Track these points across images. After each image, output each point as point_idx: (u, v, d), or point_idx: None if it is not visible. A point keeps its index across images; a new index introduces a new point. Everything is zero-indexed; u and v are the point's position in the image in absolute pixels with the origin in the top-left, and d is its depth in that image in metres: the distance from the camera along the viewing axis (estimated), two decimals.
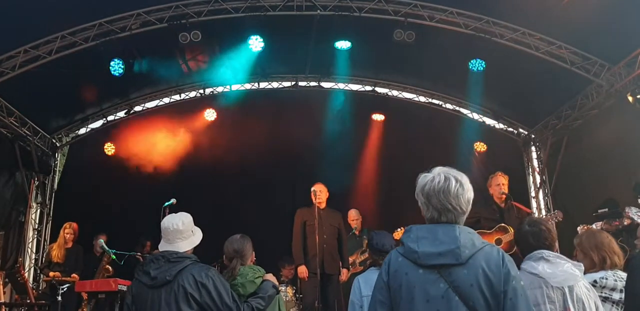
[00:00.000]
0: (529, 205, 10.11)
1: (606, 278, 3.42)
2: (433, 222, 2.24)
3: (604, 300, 3.35)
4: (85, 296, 6.93)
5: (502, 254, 2.18)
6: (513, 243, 5.90)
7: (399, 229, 8.16)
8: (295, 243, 6.97)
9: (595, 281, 3.40)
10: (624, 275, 3.43)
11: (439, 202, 2.21)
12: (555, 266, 2.98)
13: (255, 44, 8.34)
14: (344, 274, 7.10)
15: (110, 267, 7.61)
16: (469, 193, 2.25)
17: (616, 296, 3.37)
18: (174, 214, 3.74)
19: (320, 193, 6.99)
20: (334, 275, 6.92)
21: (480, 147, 10.79)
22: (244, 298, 3.62)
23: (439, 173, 2.28)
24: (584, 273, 3.57)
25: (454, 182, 2.23)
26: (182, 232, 3.59)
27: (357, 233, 8.21)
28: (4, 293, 7.37)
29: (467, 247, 2.13)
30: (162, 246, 3.61)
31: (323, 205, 7.04)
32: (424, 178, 2.30)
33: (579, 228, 6.60)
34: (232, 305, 3.41)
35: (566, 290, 2.93)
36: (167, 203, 5.92)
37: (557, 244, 3.22)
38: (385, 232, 4.40)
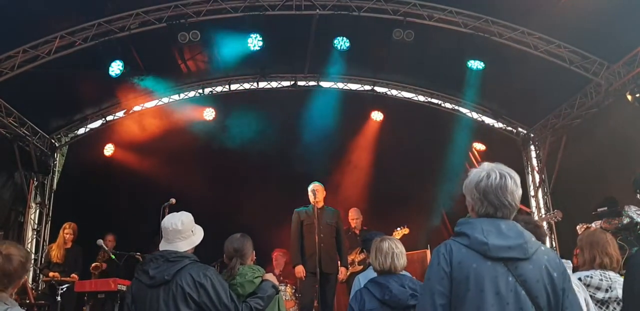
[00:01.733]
0: (528, 204, 10.13)
1: (591, 277, 3.43)
2: (488, 217, 2.25)
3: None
4: (85, 296, 6.93)
5: (556, 253, 2.26)
6: None
7: (398, 228, 8.17)
8: (293, 243, 6.98)
9: (579, 279, 3.41)
10: (613, 275, 3.45)
11: (496, 198, 2.22)
12: None
13: (254, 42, 8.33)
14: (342, 273, 7.10)
15: (100, 265, 7.59)
16: (520, 190, 2.29)
17: (600, 295, 3.39)
18: (174, 214, 3.72)
19: (317, 192, 6.99)
20: (332, 274, 6.92)
21: (479, 146, 10.79)
22: (243, 298, 3.61)
23: (493, 169, 2.28)
24: (577, 270, 3.59)
25: (509, 179, 2.25)
26: (181, 231, 3.58)
27: (356, 232, 8.20)
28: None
29: (531, 243, 2.19)
30: (162, 246, 3.60)
31: (321, 205, 7.04)
32: (477, 174, 2.29)
33: (578, 227, 6.61)
34: (230, 305, 3.40)
35: None
36: (166, 203, 5.93)
37: (547, 239, 3.21)
38: (377, 232, 4.43)
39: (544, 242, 3.13)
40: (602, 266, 3.51)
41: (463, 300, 2.12)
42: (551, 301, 2.13)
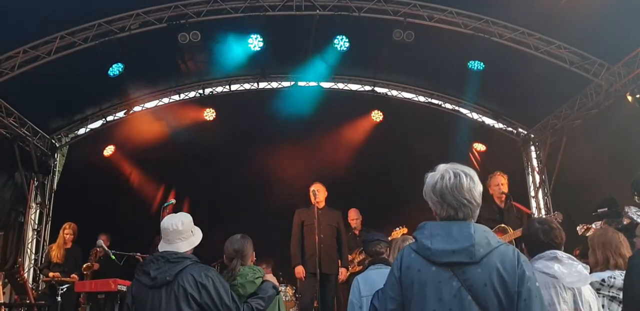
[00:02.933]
0: (528, 205, 10.12)
1: (614, 278, 3.40)
2: (450, 219, 2.21)
3: (612, 299, 3.33)
4: (82, 298, 6.93)
5: (518, 254, 2.15)
6: (512, 243, 5.92)
7: (397, 228, 8.15)
8: (293, 243, 6.98)
9: (603, 280, 3.37)
10: None
11: (453, 198, 2.18)
12: (569, 267, 2.96)
13: (255, 43, 8.33)
14: (343, 273, 7.10)
15: (91, 265, 7.59)
16: (479, 186, 2.24)
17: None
18: (173, 214, 3.73)
19: (319, 192, 6.99)
20: (332, 274, 6.92)
21: (479, 146, 10.79)
22: (244, 299, 3.61)
23: (446, 170, 2.25)
24: (590, 271, 3.57)
25: (464, 176, 2.21)
26: (181, 232, 3.58)
27: (356, 232, 8.20)
28: (4, 293, 7.36)
29: (481, 246, 2.10)
30: (162, 247, 3.61)
31: (322, 205, 7.03)
32: (432, 177, 2.27)
33: (578, 228, 6.60)
34: (232, 306, 3.41)
35: (576, 291, 2.92)
36: (166, 204, 5.93)
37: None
38: (379, 233, 4.43)
39: (561, 246, 3.08)
40: (617, 267, 3.48)
41: (409, 306, 2.12)
42: (504, 306, 2.04)
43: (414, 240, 3.57)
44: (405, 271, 2.15)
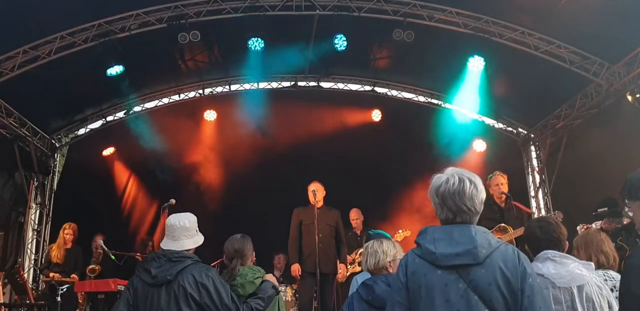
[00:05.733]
0: (528, 205, 10.11)
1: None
2: (448, 222, 2.27)
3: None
4: (80, 299, 6.93)
5: (518, 252, 2.22)
6: (512, 242, 5.92)
7: (400, 231, 8.14)
8: (291, 242, 7.00)
9: None
10: (615, 274, 3.44)
11: (454, 203, 2.24)
12: (562, 267, 2.97)
13: (255, 43, 8.34)
14: (342, 269, 7.09)
15: (96, 267, 7.60)
16: (482, 194, 2.29)
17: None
18: (179, 213, 3.74)
19: (317, 192, 6.99)
20: (330, 274, 6.92)
21: (479, 146, 10.78)
22: (244, 299, 3.62)
23: (452, 174, 2.30)
24: None
25: (468, 183, 2.26)
26: (188, 229, 3.61)
27: (357, 232, 8.20)
28: (4, 293, 7.36)
29: (484, 247, 2.17)
30: (166, 244, 3.60)
31: (320, 204, 7.03)
32: (437, 180, 2.31)
33: (578, 228, 6.60)
34: (232, 306, 3.41)
35: (574, 290, 2.92)
36: (166, 204, 5.93)
37: (567, 243, 3.19)
38: (380, 231, 4.41)
39: (560, 241, 3.10)
40: (600, 265, 3.51)
41: (417, 309, 2.17)
42: (509, 303, 2.11)
43: (378, 241, 3.60)
44: (412, 277, 2.21)
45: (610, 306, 3.00)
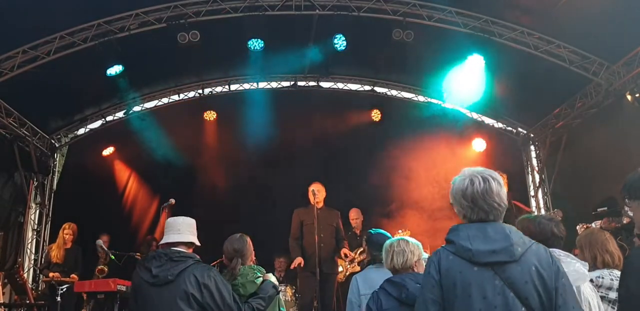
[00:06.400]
0: (528, 204, 10.11)
1: (602, 278, 3.42)
2: (480, 221, 2.28)
3: (601, 298, 3.34)
4: (85, 296, 6.93)
5: (549, 252, 2.27)
6: None
7: (400, 231, 8.13)
8: (292, 240, 7.01)
9: (591, 280, 3.39)
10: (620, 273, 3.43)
11: (485, 203, 2.26)
12: (567, 266, 2.97)
13: (254, 43, 8.34)
14: (344, 251, 7.13)
15: (105, 268, 7.61)
16: (504, 189, 2.33)
17: (612, 295, 3.37)
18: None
19: (318, 192, 6.99)
20: (331, 274, 6.93)
21: (479, 146, 10.78)
22: (244, 299, 3.62)
23: (475, 175, 2.32)
24: None
25: (493, 181, 2.30)
26: (191, 225, 3.69)
27: (357, 232, 8.20)
28: (4, 293, 7.36)
29: (519, 245, 2.20)
30: (169, 238, 3.61)
31: (321, 205, 7.04)
32: (461, 182, 2.32)
33: (578, 227, 6.60)
34: (233, 306, 3.42)
35: (575, 289, 2.92)
36: (165, 203, 5.93)
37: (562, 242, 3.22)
38: (382, 230, 4.41)
39: (563, 238, 3.12)
40: (606, 264, 3.50)
41: (452, 306, 2.17)
42: (544, 301, 2.14)
43: (402, 239, 3.60)
44: (446, 274, 2.21)
45: (599, 307, 3.01)
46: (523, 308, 2.11)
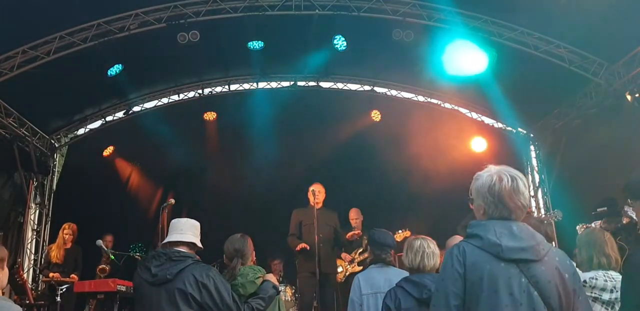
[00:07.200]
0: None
1: (596, 278, 3.42)
2: (502, 219, 2.27)
3: (594, 300, 3.35)
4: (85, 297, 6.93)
5: (566, 255, 2.30)
6: None
7: (400, 231, 8.13)
8: (291, 238, 7.02)
9: (584, 281, 3.39)
10: (616, 275, 3.43)
11: (511, 200, 2.26)
12: None
13: (254, 43, 8.34)
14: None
15: (107, 267, 7.61)
16: (527, 190, 2.34)
17: (605, 296, 3.37)
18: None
19: (318, 193, 6.99)
20: (331, 274, 6.93)
21: (479, 146, 10.78)
22: (244, 299, 3.62)
23: (503, 172, 2.31)
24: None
25: (520, 181, 2.30)
26: (194, 227, 3.70)
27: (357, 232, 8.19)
28: (3, 293, 7.33)
29: (543, 245, 2.22)
30: (172, 237, 3.63)
31: (320, 205, 7.03)
32: (488, 178, 2.31)
33: (578, 227, 6.59)
34: (233, 305, 3.41)
35: None
36: (165, 204, 5.92)
37: (554, 242, 3.22)
38: (384, 230, 4.40)
39: (551, 240, 3.15)
40: (601, 267, 3.50)
41: (477, 301, 2.14)
42: (563, 302, 2.15)
43: (425, 240, 3.60)
44: (471, 268, 2.18)
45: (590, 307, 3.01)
46: (545, 308, 2.12)
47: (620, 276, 3.41)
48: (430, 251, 3.56)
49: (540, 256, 2.18)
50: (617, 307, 3.35)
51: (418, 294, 3.33)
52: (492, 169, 2.34)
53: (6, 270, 2.80)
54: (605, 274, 3.45)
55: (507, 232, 2.21)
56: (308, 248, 6.76)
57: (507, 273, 2.14)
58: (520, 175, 2.33)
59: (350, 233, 7.11)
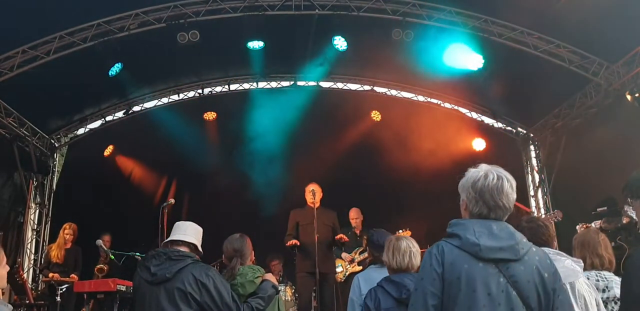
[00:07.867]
0: (527, 204, 10.11)
1: (588, 278, 3.42)
2: (481, 217, 2.27)
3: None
4: (85, 296, 6.93)
5: (547, 254, 2.29)
6: None
7: (400, 231, 8.13)
8: (288, 237, 6.99)
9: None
10: (609, 275, 3.44)
11: (491, 198, 2.24)
12: (556, 263, 2.98)
13: (254, 42, 8.35)
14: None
15: (105, 267, 7.60)
16: (515, 194, 2.31)
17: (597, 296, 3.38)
18: None
19: (317, 193, 6.98)
20: (329, 274, 6.92)
21: (479, 146, 10.78)
22: (244, 298, 3.62)
23: (490, 170, 2.31)
24: None
25: (506, 181, 2.28)
26: (197, 231, 3.73)
27: (357, 232, 8.19)
28: (3, 293, 7.33)
29: (522, 244, 2.20)
30: (175, 236, 3.66)
31: (317, 205, 7.03)
32: (475, 174, 2.31)
33: (578, 227, 6.60)
34: (232, 305, 3.41)
35: (567, 286, 2.93)
36: (165, 204, 5.91)
37: (555, 243, 3.21)
38: (384, 230, 4.40)
39: (549, 243, 3.13)
40: (593, 267, 3.51)
41: (455, 301, 2.13)
42: (542, 302, 2.14)
43: (408, 240, 3.60)
44: (450, 267, 2.17)
45: (597, 304, 3.00)
46: (524, 307, 2.11)
47: (613, 276, 3.43)
48: (415, 250, 3.57)
49: (519, 256, 2.16)
50: (609, 306, 3.36)
51: (397, 294, 3.34)
52: (483, 167, 2.34)
53: (4, 270, 2.80)
54: (598, 274, 3.47)
55: (487, 231, 2.20)
56: (298, 243, 6.78)
57: (485, 272, 2.13)
58: (510, 176, 2.31)
59: (338, 236, 7.11)
